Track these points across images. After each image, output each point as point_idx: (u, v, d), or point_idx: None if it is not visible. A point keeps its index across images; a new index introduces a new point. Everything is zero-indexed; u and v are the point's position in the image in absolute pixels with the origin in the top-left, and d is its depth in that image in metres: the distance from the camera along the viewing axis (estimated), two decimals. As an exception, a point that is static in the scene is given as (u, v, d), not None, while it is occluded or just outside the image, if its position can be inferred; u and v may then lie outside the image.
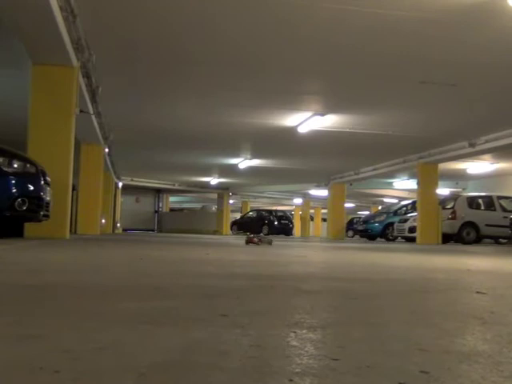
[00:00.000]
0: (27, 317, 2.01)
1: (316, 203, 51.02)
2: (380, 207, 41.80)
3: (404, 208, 29.53)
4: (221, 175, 35.32)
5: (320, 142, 21.21)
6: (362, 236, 31.29)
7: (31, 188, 9.01)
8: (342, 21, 9.60)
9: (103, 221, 24.43)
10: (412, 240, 24.11)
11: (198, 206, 59.00)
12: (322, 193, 37.26)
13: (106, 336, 1.69)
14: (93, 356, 1.44)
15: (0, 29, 9.79)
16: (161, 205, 47.88)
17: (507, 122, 17.11)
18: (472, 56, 11.19)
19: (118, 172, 31.34)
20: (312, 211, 53.93)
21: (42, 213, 9.27)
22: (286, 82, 13.57)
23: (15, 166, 8.91)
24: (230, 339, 1.70)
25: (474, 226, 23.40)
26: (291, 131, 18.95)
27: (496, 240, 25.34)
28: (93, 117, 15.09)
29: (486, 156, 23.61)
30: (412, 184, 29.89)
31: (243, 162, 27.93)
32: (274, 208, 50.35)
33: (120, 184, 34.80)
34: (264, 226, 41.95)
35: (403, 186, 34.41)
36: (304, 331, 1.86)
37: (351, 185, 32.28)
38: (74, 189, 15.05)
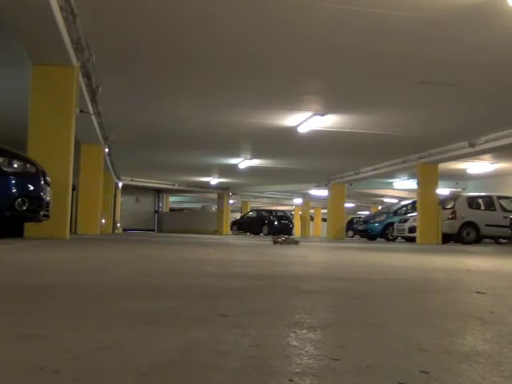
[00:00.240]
0: (27, 317, 2.01)
1: (316, 203, 51.02)
2: (380, 207, 41.80)
3: (404, 208, 29.53)
4: (221, 175, 35.32)
5: (320, 142, 21.21)
6: (361, 236, 31.29)
7: (31, 188, 9.01)
8: (342, 21, 9.60)
9: (103, 221, 24.43)
10: (412, 240, 24.11)
11: (198, 206, 59.00)
12: (322, 193, 37.26)
13: (106, 336, 1.69)
14: (93, 356, 1.44)
15: (0, 29, 9.79)
16: (161, 205, 47.87)
17: (507, 122, 17.11)
18: (472, 56, 11.19)
19: (118, 172, 31.35)
20: (312, 211, 53.93)
21: (42, 213, 9.27)
22: (286, 81, 13.57)
23: (15, 165, 8.91)
24: (230, 339, 1.70)
25: (474, 226, 23.40)
26: (291, 131, 18.95)
27: (496, 240, 25.34)
28: (93, 117, 15.09)
29: (486, 156, 23.62)
30: (412, 184, 29.89)
31: (243, 162, 27.93)
32: (274, 208, 50.36)
33: (120, 184, 34.80)
34: (264, 226, 41.97)
35: (403, 186, 34.42)
36: (304, 331, 1.86)
37: (351, 185, 32.28)
38: (73, 189, 15.05)
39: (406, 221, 25.75)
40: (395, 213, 29.41)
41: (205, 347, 1.59)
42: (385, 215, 30.13)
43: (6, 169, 8.72)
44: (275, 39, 10.63)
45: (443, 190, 29.15)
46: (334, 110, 16.28)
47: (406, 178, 31.68)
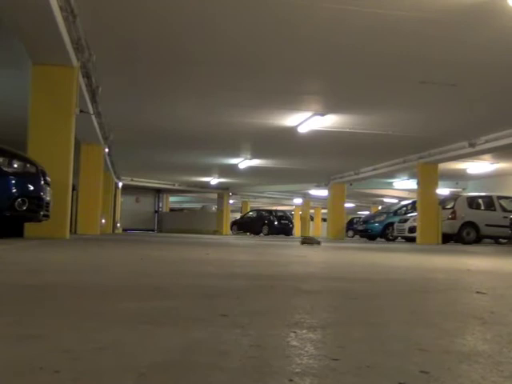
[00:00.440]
0: (27, 317, 2.01)
1: (316, 203, 51.03)
2: (380, 207, 41.80)
3: (404, 208, 29.53)
4: (221, 175, 35.33)
5: (320, 142, 21.22)
6: (362, 236, 31.30)
7: (31, 188, 9.00)
8: (342, 21, 9.60)
9: (103, 221, 24.43)
10: (412, 240, 24.11)
11: (198, 206, 59.01)
12: (322, 193, 37.26)
13: (106, 336, 1.69)
14: (93, 356, 1.44)
15: (0, 29, 9.79)
16: (161, 205, 47.88)
17: (507, 122, 17.11)
18: (472, 56, 11.19)
19: (118, 172, 31.35)
20: (312, 211, 53.94)
21: (42, 213, 9.27)
22: (286, 81, 13.57)
23: (15, 165, 8.91)
24: (230, 339, 1.70)
25: (473, 226, 23.40)
26: (291, 131, 18.96)
27: (496, 240, 25.34)
28: (93, 117, 15.09)
29: (486, 156, 23.62)
30: (412, 184, 29.89)
31: (243, 162, 27.93)
32: (274, 208, 50.37)
33: (120, 184, 34.81)
34: (264, 226, 41.99)
35: (403, 186, 34.42)
36: (304, 331, 1.86)
37: (351, 185, 32.28)
38: (74, 189, 15.05)
39: (405, 221, 25.75)
40: (395, 213, 29.41)
41: (205, 347, 1.59)
42: (385, 215, 30.14)
43: (6, 169, 8.72)
44: (275, 39, 10.63)
45: (443, 190, 29.15)
46: (334, 109, 16.28)
47: (405, 177, 31.69)
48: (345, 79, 13.26)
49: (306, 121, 17.49)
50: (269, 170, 30.89)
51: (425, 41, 10.42)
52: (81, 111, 11.73)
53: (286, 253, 9.30)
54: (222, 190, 43.27)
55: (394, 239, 27.56)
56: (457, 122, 17.49)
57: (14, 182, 8.85)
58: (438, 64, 11.73)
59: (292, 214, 51.98)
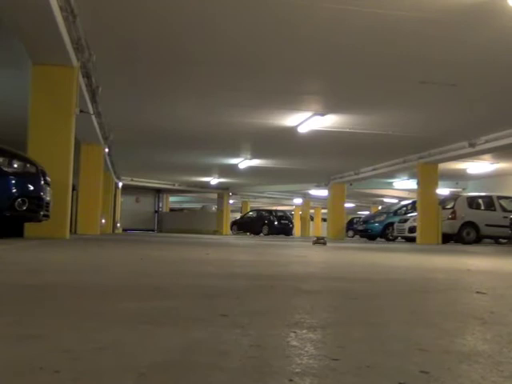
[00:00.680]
0: (27, 317, 2.01)
1: (316, 203, 51.03)
2: (380, 207, 41.81)
3: (404, 208, 29.53)
4: (221, 175, 35.32)
5: (320, 142, 21.22)
6: (362, 236, 31.30)
7: (31, 188, 9.01)
8: (341, 21, 9.60)
9: (103, 221, 24.43)
10: (412, 240, 24.11)
11: (198, 206, 59.01)
12: (322, 193, 37.26)
13: (106, 336, 1.69)
14: (93, 356, 1.44)
15: (0, 29, 9.79)
16: (161, 205, 47.88)
17: (507, 122, 17.11)
18: (472, 56, 11.20)
19: (118, 172, 31.35)
20: (312, 211, 53.94)
21: (42, 213, 9.27)
22: (286, 81, 13.57)
23: (15, 165, 8.91)
24: (230, 339, 1.70)
25: (474, 226, 23.40)
26: (291, 131, 18.96)
27: (496, 240, 25.34)
28: (93, 117, 15.09)
29: (486, 156, 23.62)
30: (412, 184, 29.90)
31: (243, 162, 27.92)
32: (274, 208, 50.37)
33: (120, 184, 34.81)
34: (264, 226, 42.00)
35: (403, 186, 34.42)
36: (304, 331, 1.86)
37: (351, 185, 32.28)
38: (74, 189, 15.05)
39: (405, 221, 25.75)
40: (395, 213, 29.41)
41: (205, 347, 1.59)
42: (385, 215, 30.14)
43: (5, 169, 8.72)
44: (275, 39, 10.63)
45: (443, 190, 29.16)
46: (334, 110, 16.28)
47: (405, 177, 31.69)
48: (345, 79, 13.26)
49: (306, 121, 17.49)
50: (269, 170, 30.89)
51: (425, 41, 10.43)
52: (81, 111, 11.74)
53: (286, 253, 9.31)
54: (222, 190, 43.27)
55: (393, 239, 27.56)
56: (457, 121, 17.50)
57: (14, 182, 8.85)
58: (438, 64, 11.73)
59: (292, 214, 51.99)
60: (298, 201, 50.25)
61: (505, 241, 24.63)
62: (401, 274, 5.06)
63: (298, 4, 8.92)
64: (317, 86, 14.50)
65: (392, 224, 27.54)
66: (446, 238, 23.06)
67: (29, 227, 10.59)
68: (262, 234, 40.97)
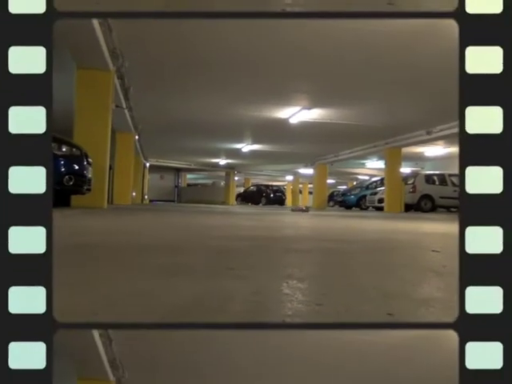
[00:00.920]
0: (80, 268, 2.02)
1: (304, 179, 50.97)
2: (355, 183, 41.77)
3: (374, 183, 29.46)
4: (228, 157, 35.20)
5: (307, 130, 21.11)
6: (340, 206, 31.25)
7: (76, 167, 9.00)
8: (324, 36, 9.48)
9: (134, 194, 24.41)
10: (380, 209, 24.12)
11: (209, 181, 58.93)
12: (309, 171, 37.18)
13: (139, 284, 1.69)
14: (126, 301, 1.44)
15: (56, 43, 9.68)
16: (180, 181, 47.78)
17: (457, 115, 16.98)
18: (424, 62, 11.08)
19: (145, 155, 31.23)
20: (301, 186, 53.89)
21: (85, 187, 9.28)
22: (280, 82, 13.43)
23: (64, 149, 8.91)
24: (234, 287, 1.70)
25: (430, 198, 23.38)
26: (284, 122, 18.86)
27: (448, 209, 25.36)
28: (126, 111, 15.02)
29: (440, 142, 23.53)
30: (380, 164, 29.82)
31: (246, 147, 27.80)
32: (271, 183, 50.35)
33: (147, 164, 34.73)
34: (262, 197, 42.05)
35: (374, 166, 34.33)
36: (294, 281, 1.86)
37: (332, 165, 32.19)
38: (110, 168, 15.01)
39: (375, 194, 25.72)
40: (367, 187, 29.37)
41: (215, 293, 1.59)
42: (359, 189, 30.11)
43: (56, 152, 8.71)
44: (273, 51, 10.46)
45: (405, 169, 29.10)
46: (319, 105, 16.19)
47: (375, 159, 31.56)
48: (327, 81, 13.14)
49: (296, 114, 17.39)
50: (266, 153, 30.78)
51: (388, 50, 10.29)
52: (116, 106, 11.67)
53: (281, 219, 9.32)
54: (229, 169, 43.16)
55: (366, 208, 27.54)
56: (416, 114, 17.37)
57: (62, 162, 8.84)
58: (400, 68, 11.62)
59: (285, 188, 51.97)
60: (289, 177, 50.20)
61: (455, 210, 24.64)
62: (372, 236, 5.06)
63: (289, 24, 8.84)
64: (305, 86, 14.38)
65: (365, 196, 27.51)
66: (408, 208, 23.07)
67: (74, 199, 10.57)
68: (260, 204, 40.99)
